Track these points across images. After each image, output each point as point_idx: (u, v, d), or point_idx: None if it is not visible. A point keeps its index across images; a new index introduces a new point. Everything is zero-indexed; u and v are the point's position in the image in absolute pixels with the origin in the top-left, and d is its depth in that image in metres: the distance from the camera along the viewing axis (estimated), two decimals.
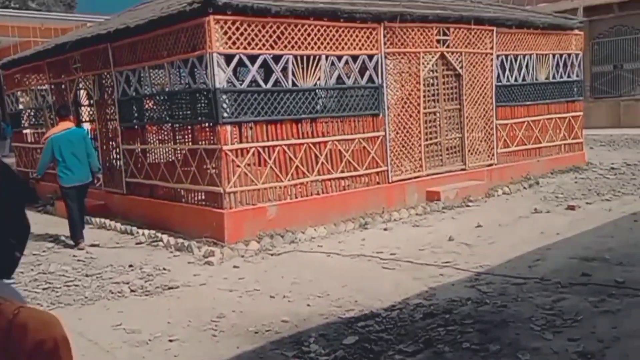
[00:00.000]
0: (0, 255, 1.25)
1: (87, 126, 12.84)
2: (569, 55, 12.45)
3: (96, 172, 8.78)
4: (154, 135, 10.23)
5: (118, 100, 9.89)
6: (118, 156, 10.48)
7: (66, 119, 8.64)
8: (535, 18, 11.80)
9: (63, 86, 11.64)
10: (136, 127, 9.92)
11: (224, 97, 7.84)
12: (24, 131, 13.92)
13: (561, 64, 12.28)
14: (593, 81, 22.04)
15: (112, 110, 10.53)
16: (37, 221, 9.88)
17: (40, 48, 12.32)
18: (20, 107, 13.91)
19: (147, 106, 9.81)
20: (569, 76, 12.47)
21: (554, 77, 12.13)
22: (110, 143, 10.85)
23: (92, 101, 11.37)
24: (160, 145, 10.10)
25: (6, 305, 1.21)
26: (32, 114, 13.29)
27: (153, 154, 10.06)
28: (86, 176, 8.38)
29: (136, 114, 9.87)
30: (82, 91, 12.00)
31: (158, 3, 10.85)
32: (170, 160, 9.61)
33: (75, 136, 8.44)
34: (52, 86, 11.98)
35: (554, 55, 12.10)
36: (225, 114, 7.83)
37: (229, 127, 8.00)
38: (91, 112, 12.03)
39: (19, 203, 1.31)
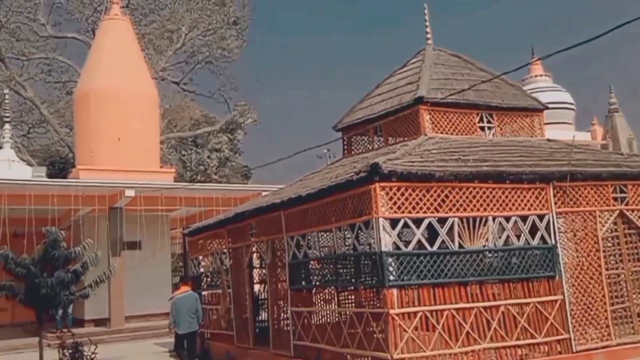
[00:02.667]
0: None
1: (257, 287, 13.56)
2: None
3: (200, 322, 11.87)
4: (320, 297, 10.44)
5: (288, 264, 10.36)
6: (286, 317, 10.74)
7: (186, 285, 12.06)
8: None
9: (240, 250, 12.52)
10: (304, 289, 10.22)
11: (390, 260, 7.89)
12: (203, 293, 14.94)
13: None
14: None
15: (281, 273, 11.03)
16: None
17: (222, 217, 13.56)
18: (201, 270, 15.08)
19: (313, 269, 10.17)
20: None
21: None
22: (279, 304, 11.21)
23: (263, 264, 12.10)
24: (326, 307, 10.22)
25: None
26: (210, 276, 14.33)
27: (319, 315, 10.19)
28: (193, 327, 11.46)
29: (304, 277, 10.22)
30: (254, 254, 12.81)
31: (326, 172, 11.64)
32: (336, 322, 9.63)
33: (191, 297, 11.63)
34: (230, 250, 12.95)
35: None
36: (391, 277, 7.83)
37: (395, 291, 7.93)
38: (261, 274, 12.83)
39: None
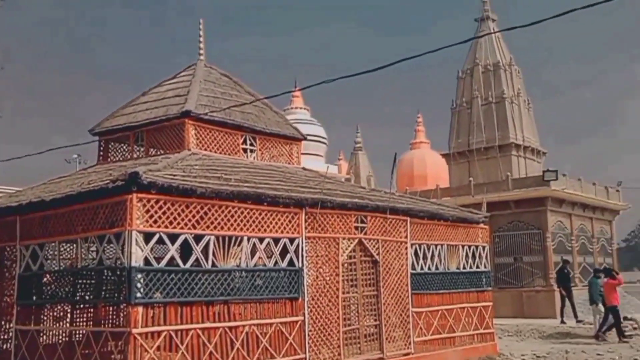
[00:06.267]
0: None
1: None
2: (477, 246, 13.13)
3: None
4: (56, 314, 9.43)
5: (19, 276, 9.17)
6: (9, 338, 9.43)
7: None
8: (444, 211, 12.55)
9: None
10: (34, 305, 9.12)
11: (139, 276, 7.47)
12: None
13: (470, 255, 12.87)
14: (496, 272, 23.17)
15: (9, 286, 9.70)
16: None
17: None
18: None
19: (50, 283, 9.16)
20: (477, 267, 13.03)
21: (464, 267, 12.62)
22: (1, 323, 9.82)
23: None
24: (62, 325, 9.26)
25: None
26: None
27: (52, 335, 9.17)
28: None
29: (37, 291, 9.14)
30: None
31: (77, 178, 10.69)
32: (70, 341, 8.77)
33: None
34: None
35: (463, 246, 12.70)
36: (138, 294, 7.40)
37: (140, 309, 7.50)
38: None
39: None
